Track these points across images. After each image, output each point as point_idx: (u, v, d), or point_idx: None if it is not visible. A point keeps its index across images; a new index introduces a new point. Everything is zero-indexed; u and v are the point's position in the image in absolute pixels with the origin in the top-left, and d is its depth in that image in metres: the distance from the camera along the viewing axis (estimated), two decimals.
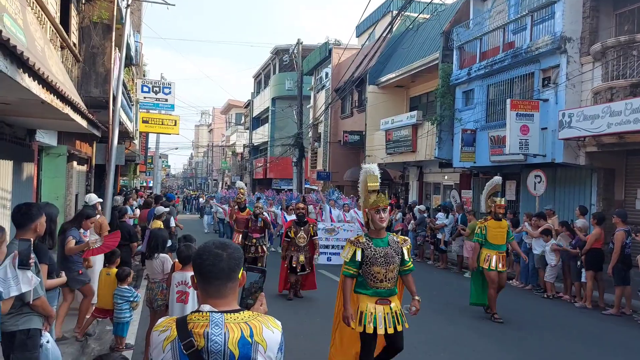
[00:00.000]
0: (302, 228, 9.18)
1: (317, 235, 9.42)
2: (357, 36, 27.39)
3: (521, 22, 14.05)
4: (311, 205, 16.02)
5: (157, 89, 24.95)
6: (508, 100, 12.93)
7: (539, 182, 12.54)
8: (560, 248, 10.11)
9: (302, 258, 9.05)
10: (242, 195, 11.81)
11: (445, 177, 19.32)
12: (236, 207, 11.69)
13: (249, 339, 1.81)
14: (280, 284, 9.53)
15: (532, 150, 12.69)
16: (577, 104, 11.91)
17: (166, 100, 24.43)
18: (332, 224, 13.98)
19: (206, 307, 1.87)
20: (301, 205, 9.64)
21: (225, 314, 1.85)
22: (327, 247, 13.33)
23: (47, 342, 3.86)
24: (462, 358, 6.27)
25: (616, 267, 8.81)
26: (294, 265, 9.07)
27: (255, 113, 42.89)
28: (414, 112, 19.03)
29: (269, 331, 1.86)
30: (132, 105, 19.71)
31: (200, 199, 36.12)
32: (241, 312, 1.90)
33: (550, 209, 11.82)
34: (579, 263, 9.68)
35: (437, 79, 17.43)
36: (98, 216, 7.74)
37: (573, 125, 11.17)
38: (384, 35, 15.16)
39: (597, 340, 7.33)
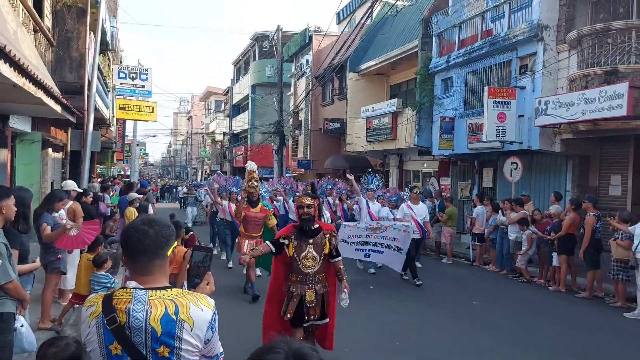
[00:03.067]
0: (311, 240, 4.81)
1: (339, 256, 4.97)
2: (338, 23, 27.27)
3: (499, 9, 14.14)
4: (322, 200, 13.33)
5: (134, 75, 24.59)
6: (486, 88, 13.04)
7: (515, 168, 12.72)
8: (536, 236, 10.29)
9: (310, 296, 4.77)
10: (255, 183, 8.20)
11: (425, 165, 19.47)
12: (246, 200, 8.18)
13: (174, 316, 1.80)
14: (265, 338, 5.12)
15: (509, 138, 12.84)
16: (554, 91, 12.07)
17: (143, 86, 24.13)
18: (377, 223, 9.77)
19: (132, 284, 1.87)
20: (308, 200, 4.88)
21: (150, 290, 1.84)
22: (366, 243, 9.34)
23: (22, 326, 3.81)
24: (440, 339, 6.38)
25: (587, 252, 9.02)
26: (294, 312, 4.77)
27: (235, 100, 42.54)
28: (394, 100, 19.08)
29: (198, 309, 1.84)
30: (109, 91, 19.40)
31: (180, 188, 35.53)
32: (169, 289, 1.88)
33: (526, 195, 12.01)
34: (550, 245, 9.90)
35: (417, 66, 17.49)
36: (71, 202, 7.63)
37: (549, 113, 11.32)
38: (363, 21, 15.14)
39: (570, 322, 7.52)
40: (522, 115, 12.79)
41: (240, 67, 42.13)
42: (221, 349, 1.98)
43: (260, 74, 34.15)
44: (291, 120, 29.27)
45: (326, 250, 4.81)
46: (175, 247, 1.98)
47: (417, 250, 10.42)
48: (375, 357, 5.80)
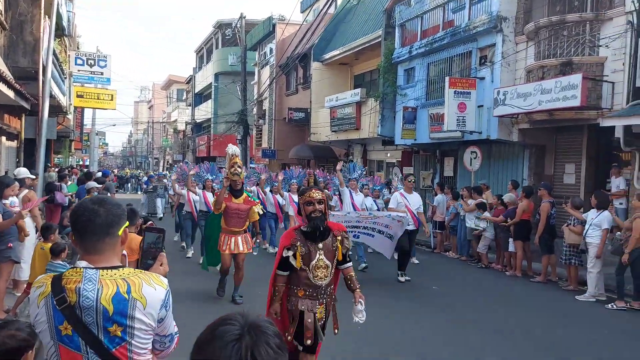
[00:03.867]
0: (321, 245, 3.89)
1: (350, 261, 4.12)
2: (302, 11, 27.14)
3: (460, 1, 14.35)
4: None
5: (92, 61, 23.93)
6: (447, 78, 13.26)
7: (475, 157, 13.02)
8: (489, 218, 10.56)
9: (321, 313, 3.93)
10: (238, 169, 7.05)
11: (388, 155, 19.68)
12: (227, 189, 7.04)
13: (125, 295, 1.79)
14: None
15: (468, 127, 13.11)
16: (512, 82, 12.36)
17: (102, 73, 23.51)
18: (370, 213, 9.59)
19: (82, 264, 1.85)
20: (317, 194, 3.96)
21: (101, 270, 1.83)
22: (356, 227, 8.95)
23: None
24: (398, 323, 6.51)
25: (542, 237, 9.33)
26: (308, 343, 3.86)
27: (198, 89, 41.90)
28: (358, 90, 19.19)
29: (150, 288, 1.84)
30: (65, 78, 18.79)
31: (143, 178, 34.46)
32: (121, 268, 1.87)
33: (485, 184, 12.32)
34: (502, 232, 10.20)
35: (380, 56, 17.60)
36: (26, 191, 7.40)
37: (507, 103, 11.61)
38: (325, 10, 15.12)
39: (526, 305, 7.78)
40: (482, 106, 13.07)
41: (203, 55, 41.46)
42: (176, 329, 1.97)
43: (224, 62, 33.71)
44: (255, 110, 29.05)
45: (339, 256, 3.90)
46: (126, 228, 1.95)
47: (411, 244, 9.50)
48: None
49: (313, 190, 3.95)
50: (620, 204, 10.11)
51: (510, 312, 7.31)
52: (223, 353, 1.09)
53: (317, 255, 3.80)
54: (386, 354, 5.49)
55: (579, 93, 9.83)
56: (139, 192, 34.20)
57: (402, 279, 8.96)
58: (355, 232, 8.88)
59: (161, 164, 58.06)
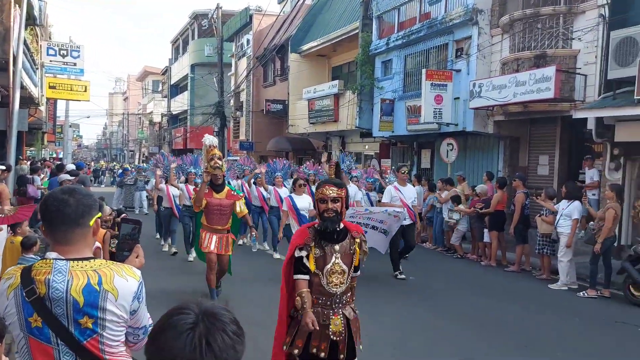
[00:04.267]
0: (337, 247, 3.36)
1: (358, 270, 3.52)
2: (279, 2, 26.95)
3: None
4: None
5: (65, 52, 23.38)
6: (423, 71, 13.33)
7: (451, 149, 13.14)
8: (463, 210, 10.70)
9: (337, 325, 3.35)
10: (218, 162, 6.54)
11: (366, 147, 19.74)
12: (207, 183, 6.58)
13: (96, 287, 1.77)
14: None
15: (445, 120, 13.22)
16: (487, 74, 12.50)
17: (75, 64, 22.99)
18: (366, 209, 8.86)
19: (52, 255, 1.82)
20: (333, 191, 3.34)
21: (71, 261, 1.80)
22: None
23: None
24: (377, 313, 6.56)
25: (517, 227, 9.49)
26: (315, 352, 3.31)
27: (174, 80, 41.34)
28: (336, 82, 19.18)
29: (122, 279, 1.82)
30: (37, 68, 18.36)
31: (118, 171, 33.70)
32: (92, 260, 1.84)
33: (461, 175, 12.46)
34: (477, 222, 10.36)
35: (358, 48, 17.60)
36: None
37: (482, 95, 11.73)
38: (303, 1, 15.05)
39: (500, 294, 7.92)
40: (458, 98, 13.19)
41: (179, 46, 40.91)
42: (150, 321, 1.95)
43: (200, 53, 33.32)
44: (232, 101, 28.81)
45: (356, 262, 3.38)
46: (98, 219, 1.92)
47: (407, 238, 8.93)
48: None
49: (327, 186, 3.33)
50: (594, 195, 10.34)
51: (485, 301, 7.44)
52: (177, 343, 1.07)
53: (333, 259, 3.29)
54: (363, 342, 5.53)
55: (552, 85, 9.98)
56: (115, 186, 33.68)
57: (400, 275, 8.64)
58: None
59: (137, 156, 57.27)
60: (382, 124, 16.06)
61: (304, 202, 8.28)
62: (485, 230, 10.23)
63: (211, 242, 6.53)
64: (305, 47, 21.65)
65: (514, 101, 10.95)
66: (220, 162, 6.52)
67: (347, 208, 3.38)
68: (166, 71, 44.39)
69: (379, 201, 10.74)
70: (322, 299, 3.31)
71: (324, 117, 19.57)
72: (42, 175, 13.60)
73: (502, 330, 6.10)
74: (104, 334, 1.80)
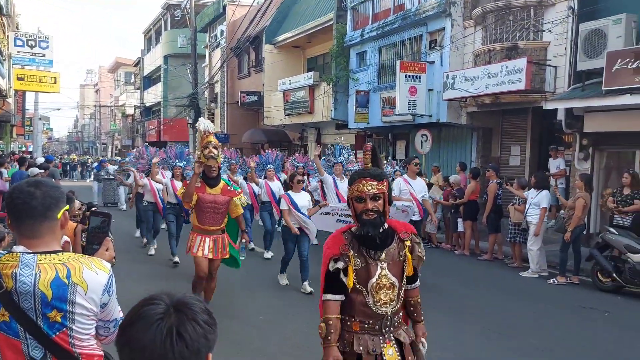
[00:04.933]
0: (383, 255, 2.62)
1: (417, 279, 2.84)
2: None
3: None
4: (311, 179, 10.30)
5: (33, 42, 22.80)
6: (398, 62, 13.39)
7: (425, 141, 13.26)
8: (435, 200, 10.84)
9: (392, 355, 2.61)
10: (214, 151, 5.51)
11: (342, 138, 19.74)
12: (200, 176, 5.61)
13: (65, 280, 1.75)
14: None
15: (419, 111, 13.33)
16: (460, 66, 12.62)
17: (44, 55, 22.45)
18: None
19: (19, 248, 1.80)
20: (371, 186, 2.60)
21: (39, 254, 1.78)
22: (348, 215, 7.78)
23: None
24: None
25: (489, 217, 9.66)
26: None
27: (147, 72, 40.69)
28: (311, 73, 19.13)
29: (92, 272, 1.80)
30: (4, 60, 17.86)
31: (93, 164, 32.69)
32: (60, 253, 1.82)
33: (436, 166, 12.59)
34: (451, 211, 10.50)
35: (333, 40, 17.57)
36: None
37: (456, 87, 11.85)
38: None
39: (473, 282, 8.06)
40: (432, 89, 13.30)
41: (151, 37, 40.23)
42: (121, 314, 1.94)
43: (173, 44, 32.85)
44: (206, 93, 28.51)
45: (408, 270, 2.66)
46: (66, 212, 1.89)
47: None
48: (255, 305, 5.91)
49: (363, 181, 2.58)
50: (561, 183, 10.58)
51: (458, 289, 7.56)
52: (147, 333, 1.07)
53: (379, 270, 2.56)
54: None
55: (523, 77, 10.14)
56: (88, 180, 32.96)
57: None
58: (348, 221, 7.72)
59: (110, 149, 56.30)
60: (357, 116, 16.10)
61: (303, 199, 7.36)
62: (459, 220, 10.37)
63: (204, 246, 5.59)
64: (279, 38, 21.52)
65: (487, 92, 11.09)
66: (215, 152, 5.47)
67: (390, 204, 2.67)
68: (138, 62, 43.65)
69: None
70: (368, 322, 2.56)
71: (299, 108, 19.53)
72: (10, 169, 13.27)
73: (474, 317, 6.22)
74: (74, 327, 1.78)
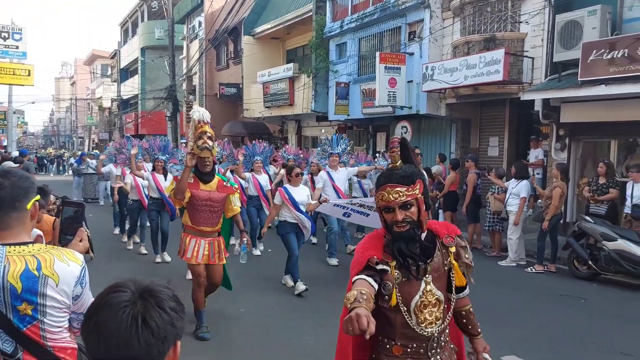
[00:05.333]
0: (429, 265, 2.18)
1: (466, 286, 2.41)
2: None
3: None
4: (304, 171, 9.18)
5: (6, 34, 22.34)
6: (377, 54, 13.40)
7: (405, 132, 13.32)
8: None
9: None
10: (209, 142, 4.93)
11: (322, 131, 19.71)
12: (192, 170, 5.01)
13: (35, 272, 1.71)
14: None
15: (399, 103, 13.37)
16: (439, 57, 12.67)
17: (17, 47, 21.98)
18: (362, 200, 7.64)
19: None
20: (399, 194, 2.11)
21: (8, 246, 1.74)
22: (348, 206, 7.52)
23: None
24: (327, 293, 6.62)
25: (469, 207, 9.75)
26: None
27: (123, 64, 40.05)
28: (290, 65, 19.03)
29: (63, 264, 1.77)
30: None
31: (69, 158, 31.86)
32: (30, 244, 1.79)
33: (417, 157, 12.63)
34: (437, 205, 10.57)
35: (312, 31, 17.49)
36: None
37: (435, 78, 11.90)
38: None
39: None
40: (411, 81, 13.34)
41: (128, 28, 39.59)
42: None
43: (150, 36, 32.37)
44: (185, 85, 28.20)
45: (457, 281, 2.28)
46: (36, 202, 1.84)
47: None
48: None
49: (388, 188, 2.10)
50: (538, 173, 10.72)
51: None
52: (113, 321, 1.04)
53: (422, 285, 2.14)
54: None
55: (501, 68, 10.22)
56: (66, 174, 32.33)
57: None
58: (347, 210, 7.43)
59: (86, 143, 55.40)
60: (337, 108, 16.09)
61: (302, 194, 6.76)
62: (440, 211, 10.45)
63: (198, 250, 5.02)
64: (258, 30, 21.35)
65: (465, 84, 11.16)
66: (210, 143, 4.88)
67: (428, 208, 2.18)
68: (115, 55, 42.94)
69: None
70: (411, 346, 2.16)
71: (279, 100, 19.43)
72: None
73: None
74: (45, 320, 1.74)
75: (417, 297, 2.13)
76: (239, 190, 5.85)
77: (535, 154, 10.99)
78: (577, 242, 7.75)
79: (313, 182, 9.15)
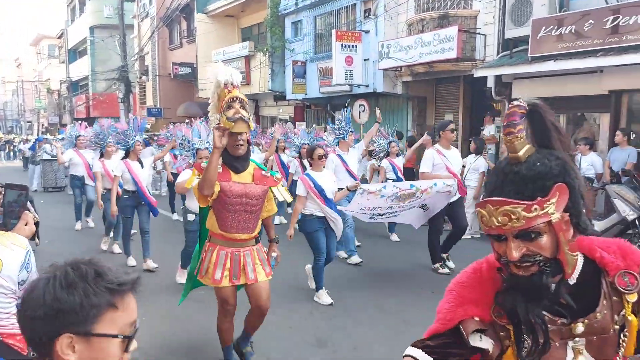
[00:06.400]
0: (581, 324, 1.24)
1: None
2: None
3: None
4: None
5: None
6: (333, 31, 13.31)
7: (363, 111, 13.35)
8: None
9: None
10: (242, 112, 3.47)
11: (281, 110, 19.58)
12: (221, 153, 3.50)
13: None
14: None
15: (356, 81, 13.37)
16: (395, 35, 12.69)
17: None
18: (412, 186, 6.11)
19: None
20: (506, 215, 1.20)
21: None
22: (381, 215, 6.44)
23: None
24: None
25: None
26: None
27: (71, 44, 38.49)
28: (246, 44, 18.72)
29: (6, 250, 1.74)
30: None
31: (23, 145, 29.68)
32: None
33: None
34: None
35: (267, 8, 17.20)
36: None
37: (390, 56, 11.93)
38: None
39: (410, 245, 8.27)
40: (368, 59, 13.33)
41: (75, 6, 37.96)
42: None
43: (99, 14, 31.16)
44: (137, 65, 27.36)
45: (627, 348, 1.26)
46: None
47: (456, 217, 6.78)
48: None
49: (489, 205, 1.24)
50: (490, 149, 10.97)
51: (396, 253, 7.74)
52: (33, 294, 1.04)
53: (569, 355, 1.27)
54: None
55: (454, 45, 10.34)
56: (16, 160, 30.86)
57: (442, 270, 6.65)
58: (373, 216, 6.31)
59: (35, 127, 53.26)
60: (295, 87, 15.97)
61: (329, 181, 5.59)
62: None
63: (232, 268, 3.62)
64: (211, 7, 20.85)
65: (420, 61, 11.24)
66: (245, 113, 3.48)
67: (582, 231, 1.29)
68: (62, 34, 41.16)
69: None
70: None
71: None
72: None
73: (411, 278, 6.41)
74: None
75: None
76: (282, 182, 4.26)
77: (488, 130, 11.21)
78: None
79: (303, 167, 8.29)
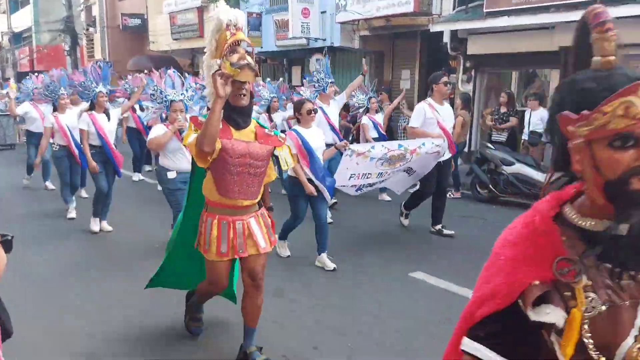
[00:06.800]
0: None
1: None
2: None
3: None
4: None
5: None
6: None
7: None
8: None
9: None
10: (247, 59, 2.98)
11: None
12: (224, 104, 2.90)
13: None
14: None
15: (313, 34, 13.16)
16: None
17: None
18: (400, 146, 5.83)
19: None
20: None
21: None
22: (370, 184, 6.18)
23: None
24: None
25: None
26: None
27: None
28: None
29: None
30: None
31: None
32: None
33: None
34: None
35: None
36: None
37: (348, 9, 11.77)
38: None
39: (372, 203, 8.40)
40: (325, 12, 13.11)
41: None
42: None
43: None
44: (83, 16, 26.01)
45: None
46: None
47: (439, 177, 6.28)
48: None
49: None
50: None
51: (361, 212, 7.85)
52: None
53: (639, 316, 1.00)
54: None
55: None
56: None
57: (446, 230, 6.42)
58: (360, 184, 5.96)
59: None
60: (250, 40, 15.53)
61: (318, 138, 5.16)
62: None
63: (233, 238, 3.15)
64: None
65: (377, 15, 11.16)
66: (251, 60, 3.03)
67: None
68: None
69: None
70: None
71: (188, 32, 18.49)
72: None
73: (366, 233, 6.54)
74: None
75: (630, 341, 1.00)
76: (288, 145, 3.54)
77: None
78: (479, 168, 8.23)
79: (271, 121, 8.23)
